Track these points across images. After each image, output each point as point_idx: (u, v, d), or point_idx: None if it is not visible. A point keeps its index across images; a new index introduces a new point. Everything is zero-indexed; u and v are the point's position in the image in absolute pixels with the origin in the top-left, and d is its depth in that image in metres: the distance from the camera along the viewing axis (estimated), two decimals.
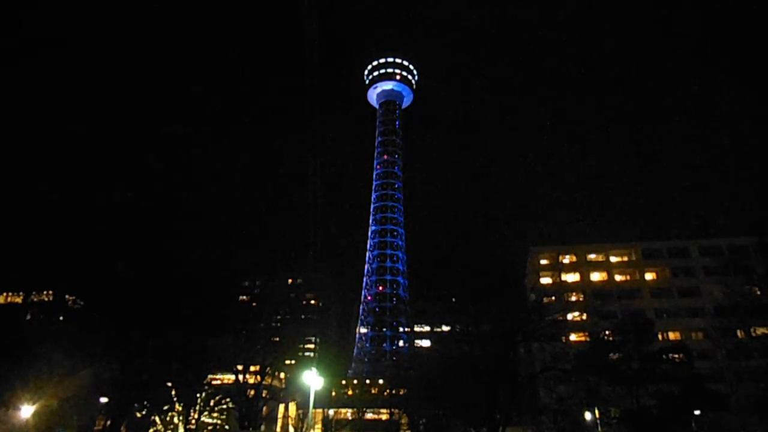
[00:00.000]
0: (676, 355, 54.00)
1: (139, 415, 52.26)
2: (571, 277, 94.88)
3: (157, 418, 50.99)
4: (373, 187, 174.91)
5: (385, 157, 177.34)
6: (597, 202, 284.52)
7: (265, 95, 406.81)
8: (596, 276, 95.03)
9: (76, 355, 41.71)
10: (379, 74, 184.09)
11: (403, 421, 76.20)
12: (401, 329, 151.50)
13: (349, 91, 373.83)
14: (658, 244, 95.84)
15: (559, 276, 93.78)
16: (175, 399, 49.92)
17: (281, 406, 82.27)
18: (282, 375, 78.61)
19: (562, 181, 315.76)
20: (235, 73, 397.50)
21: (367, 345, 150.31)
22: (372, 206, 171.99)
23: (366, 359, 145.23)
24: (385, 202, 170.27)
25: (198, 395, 52.30)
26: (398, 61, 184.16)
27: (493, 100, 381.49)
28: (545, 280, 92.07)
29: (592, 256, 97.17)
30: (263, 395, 59.64)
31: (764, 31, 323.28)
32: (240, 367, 55.30)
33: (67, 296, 55.55)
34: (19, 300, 58.24)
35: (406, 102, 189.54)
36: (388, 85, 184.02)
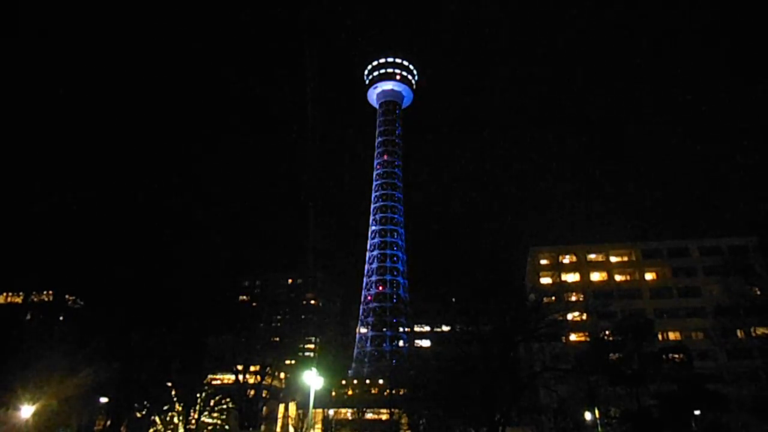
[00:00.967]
0: (676, 355, 54.02)
1: (139, 415, 52.28)
2: (571, 277, 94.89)
3: (157, 418, 51.02)
4: (373, 187, 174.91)
5: (385, 157, 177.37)
6: (597, 202, 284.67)
7: (265, 95, 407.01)
8: (596, 276, 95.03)
9: (76, 355, 41.75)
10: (379, 74, 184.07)
11: (403, 421, 76.19)
12: (401, 329, 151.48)
13: (349, 91, 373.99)
14: (658, 244, 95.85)
15: (559, 276, 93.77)
16: (175, 399, 49.95)
17: (281, 406, 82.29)
18: (282, 375, 78.66)
19: (562, 181, 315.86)
20: (234, 73, 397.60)
21: (367, 345, 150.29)
22: (372, 206, 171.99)
23: (366, 359, 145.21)
24: (385, 202, 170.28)
25: (198, 395, 52.33)
26: (398, 61, 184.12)
27: (493, 100, 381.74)
28: (545, 280, 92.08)
29: (592, 256, 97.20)
30: (263, 395, 59.67)
31: (764, 31, 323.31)
32: (240, 367, 55.32)
33: (67, 296, 55.64)
34: (19, 300, 58.33)
35: (406, 102, 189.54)
36: (388, 85, 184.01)
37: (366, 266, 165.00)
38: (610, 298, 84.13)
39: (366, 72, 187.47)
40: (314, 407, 48.25)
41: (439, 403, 52.73)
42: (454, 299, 50.66)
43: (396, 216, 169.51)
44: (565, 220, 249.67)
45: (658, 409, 48.35)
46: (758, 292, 48.71)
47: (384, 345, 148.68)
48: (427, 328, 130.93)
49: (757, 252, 54.59)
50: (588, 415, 54.94)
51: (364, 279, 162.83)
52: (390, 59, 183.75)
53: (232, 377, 56.48)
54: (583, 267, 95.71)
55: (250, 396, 55.60)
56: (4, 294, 64.74)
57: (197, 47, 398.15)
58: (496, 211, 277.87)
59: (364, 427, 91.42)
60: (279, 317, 67.11)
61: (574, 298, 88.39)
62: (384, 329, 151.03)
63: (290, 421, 76.97)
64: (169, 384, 49.92)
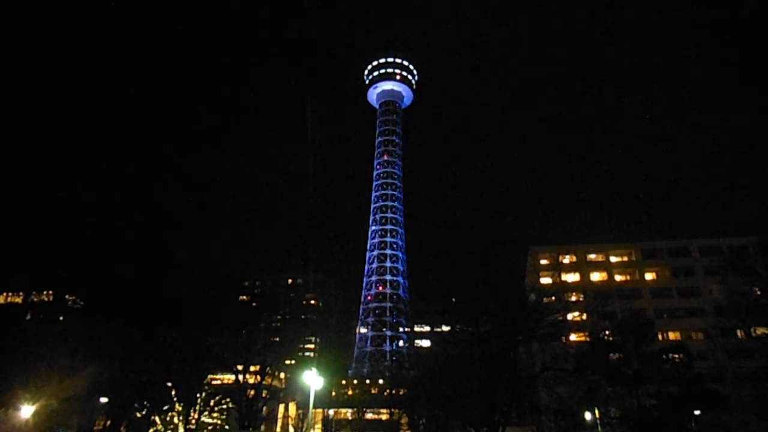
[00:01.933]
0: (676, 355, 53.93)
1: (139, 415, 52.21)
2: (571, 277, 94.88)
3: (157, 418, 50.94)
4: (373, 187, 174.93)
5: (385, 157, 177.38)
6: (597, 202, 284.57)
7: (265, 95, 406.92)
8: (596, 276, 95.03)
9: (76, 355, 41.72)
10: (379, 74, 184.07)
11: (403, 421, 76.25)
12: (401, 329, 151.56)
13: (349, 91, 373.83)
14: (658, 244, 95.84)
15: (559, 276, 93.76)
16: (175, 399, 49.89)
17: (281, 406, 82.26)
18: (282, 375, 78.62)
19: (562, 181, 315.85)
20: (234, 72, 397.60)
21: (367, 345, 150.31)
22: (372, 206, 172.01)
23: (366, 359, 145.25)
24: (385, 202, 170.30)
25: (198, 395, 52.26)
26: (398, 61, 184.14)
27: (493, 100, 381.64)
28: (545, 280, 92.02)
29: (592, 256, 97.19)
30: (263, 395, 59.60)
31: (765, 31, 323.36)
32: (240, 367, 55.25)
33: (67, 296, 55.57)
34: (19, 300, 58.27)
35: (406, 102, 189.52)
36: (388, 85, 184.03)
37: (366, 266, 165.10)
38: (610, 298, 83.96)
39: (366, 72, 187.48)
40: (314, 407, 48.27)
41: (439, 403, 52.76)
42: (454, 299, 50.61)
43: (396, 216, 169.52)
44: (565, 220, 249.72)
45: (658, 409, 48.33)
46: (758, 292, 48.68)
47: (384, 345, 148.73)
48: (427, 328, 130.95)
49: (757, 252, 54.55)
50: (588, 415, 54.93)
51: (364, 279, 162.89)
52: (390, 59, 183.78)
53: (232, 377, 56.41)
54: (583, 267, 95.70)
55: (250, 396, 55.52)
56: (4, 294, 64.69)
57: (197, 47, 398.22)
58: (496, 211, 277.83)
59: (364, 427, 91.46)
60: (279, 317, 67.00)
61: (574, 298, 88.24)
62: (384, 329, 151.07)
63: (290, 421, 76.95)
64: (169, 384, 49.85)
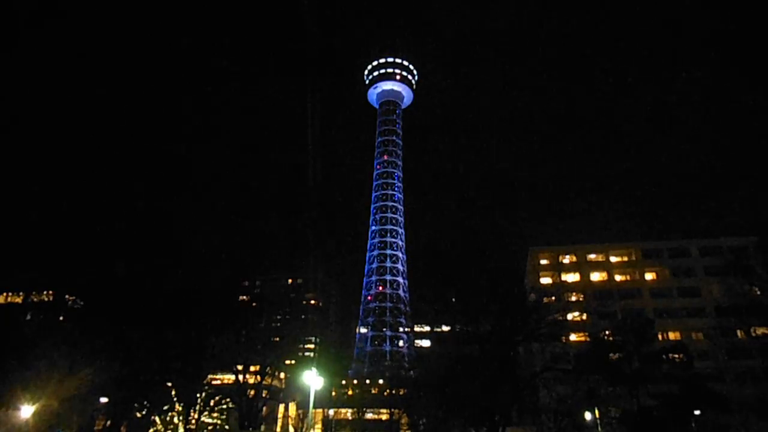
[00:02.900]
0: (676, 355, 54.00)
1: (139, 415, 52.23)
2: (571, 277, 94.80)
3: (157, 418, 50.97)
4: (373, 187, 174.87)
5: (385, 157, 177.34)
6: (597, 202, 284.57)
7: (265, 95, 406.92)
8: (596, 276, 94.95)
9: (76, 355, 41.70)
10: (379, 74, 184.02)
11: (403, 421, 76.21)
12: (401, 329, 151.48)
13: (349, 91, 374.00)
14: (658, 244, 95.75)
15: (559, 276, 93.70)
16: (175, 399, 49.90)
17: (281, 406, 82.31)
18: (282, 375, 78.62)
19: (562, 181, 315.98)
20: (234, 72, 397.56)
21: (367, 345, 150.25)
22: (372, 206, 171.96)
23: (366, 359, 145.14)
24: (385, 202, 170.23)
25: (198, 395, 52.28)
26: (398, 61, 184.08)
27: (493, 100, 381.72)
28: (545, 280, 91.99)
29: (592, 256, 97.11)
30: (263, 395, 59.62)
31: (764, 31, 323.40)
32: (240, 367, 55.27)
33: (67, 296, 55.58)
34: (19, 300, 58.32)
35: (407, 102, 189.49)
36: (388, 85, 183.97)
37: (366, 266, 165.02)
38: (610, 298, 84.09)
39: (366, 72, 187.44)
40: (314, 407, 48.28)
41: (439, 403, 52.72)
42: (454, 299, 50.59)
43: (396, 216, 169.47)
44: (565, 220, 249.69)
45: (658, 409, 48.36)
46: (758, 292, 48.69)
47: (384, 345, 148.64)
48: (427, 328, 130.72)
49: (757, 252, 54.55)
50: (588, 415, 54.93)
51: (364, 279, 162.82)
52: (390, 59, 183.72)
53: (232, 377, 56.43)
54: (583, 267, 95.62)
55: (250, 396, 55.54)
56: (4, 294, 64.75)
57: (196, 47, 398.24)
58: (496, 211, 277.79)
59: (364, 427, 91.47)
60: (279, 317, 67.06)
61: (574, 298, 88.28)
62: (384, 329, 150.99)
63: (290, 421, 77.01)
64: (169, 384, 49.86)
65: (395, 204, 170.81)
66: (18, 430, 38.59)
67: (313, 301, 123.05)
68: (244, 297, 65.11)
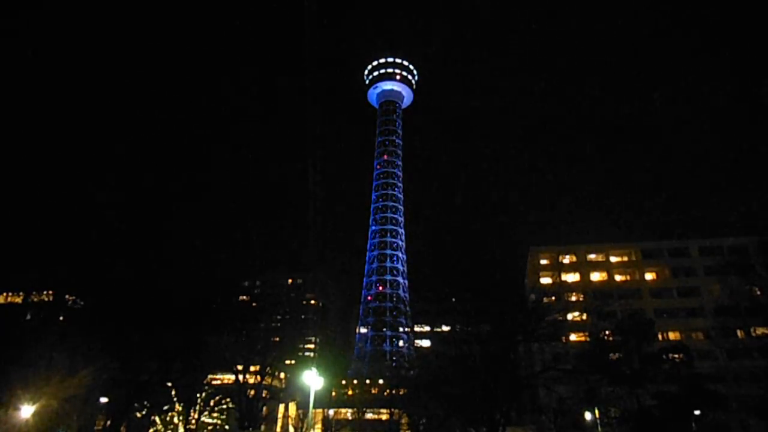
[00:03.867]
0: (676, 355, 53.92)
1: (139, 415, 52.24)
2: (571, 277, 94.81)
3: (157, 418, 51.01)
4: (373, 187, 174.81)
5: (385, 157, 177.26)
6: (597, 202, 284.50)
7: (265, 95, 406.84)
8: (596, 276, 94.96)
9: (76, 355, 41.72)
10: (379, 74, 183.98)
11: (403, 421, 76.20)
12: (401, 329, 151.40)
13: (349, 91, 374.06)
14: (658, 244, 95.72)
15: (559, 276, 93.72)
16: (175, 399, 49.94)
17: (281, 406, 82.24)
18: (282, 375, 78.63)
19: (562, 181, 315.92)
20: (234, 73, 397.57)
21: (367, 345, 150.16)
22: (372, 206, 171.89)
23: (366, 359, 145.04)
24: (385, 202, 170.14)
25: (198, 395, 52.34)
26: (398, 61, 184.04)
27: (493, 100, 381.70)
28: (545, 280, 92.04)
29: (592, 256, 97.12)
30: (263, 395, 59.64)
31: (764, 31, 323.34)
32: (240, 367, 55.28)
33: (67, 296, 55.56)
34: (19, 300, 58.28)
35: (407, 102, 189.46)
36: (388, 85, 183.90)
37: (366, 266, 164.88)
38: (610, 298, 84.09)
39: (366, 72, 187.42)
40: (314, 407, 48.16)
41: (439, 403, 52.75)
42: (454, 299, 50.67)
43: (396, 216, 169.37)
44: (565, 220, 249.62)
45: (658, 409, 48.32)
46: (758, 292, 48.68)
47: (384, 345, 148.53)
48: (427, 328, 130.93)
49: (757, 252, 54.55)
50: (588, 415, 54.93)
51: (364, 279, 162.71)
52: (390, 59, 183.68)
53: (232, 377, 56.44)
54: (583, 267, 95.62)
55: (250, 396, 55.55)
56: (4, 294, 64.72)
57: (196, 48, 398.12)
58: (496, 211, 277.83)
59: (364, 427, 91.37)
60: (279, 317, 67.04)
61: (574, 298, 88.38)
62: (384, 329, 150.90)
63: (290, 421, 76.96)
64: (169, 384, 49.88)
65: (395, 204, 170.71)
66: (18, 430, 38.56)
67: (313, 301, 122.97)
68: (244, 297, 65.13)
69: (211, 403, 54.37)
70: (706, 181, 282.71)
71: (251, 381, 57.80)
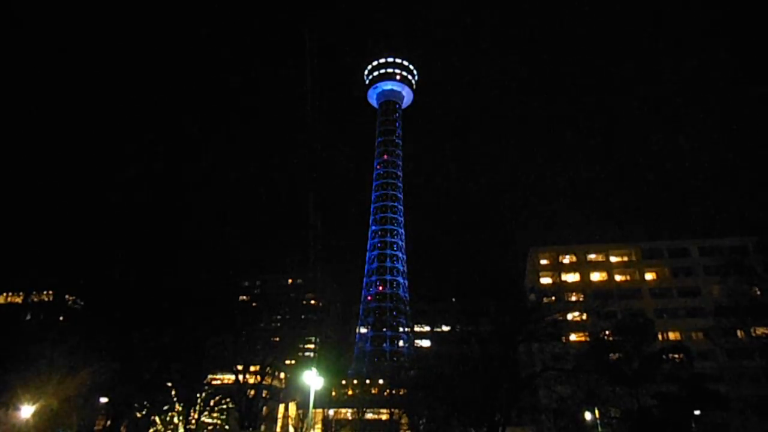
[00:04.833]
0: (676, 355, 53.96)
1: (139, 415, 52.22)
2: (571, 277, 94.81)
3: (157, 418, 50.98)
4: (373, 187, 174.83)
5: (385, 157, 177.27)
6: (597, 202, 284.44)
7: (265, 95, 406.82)
8: (596, 276, 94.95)
9: (76, 355, 41.72)
10: (379, 74, 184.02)
11: (403, 421, 76.22)
12: (401, 329, 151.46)
13: (349, 91, 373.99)
14: (658, 244, 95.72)
15: (559, 276, 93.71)
16: (175, 399, 49.92)
17: (281, 406, 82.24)
18: (282, 375, 78.63)
19: (562, 181, 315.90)
20: (234, 73, 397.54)
21: (367, 345, 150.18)
22: (372, 206, 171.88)
23: (366, 359, 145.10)
24: (385, 202, 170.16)
25: (198, 395, 52.31)
26: (398, 61, 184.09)
27: (493, 100, 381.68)
28: (545, 280, 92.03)
29: (592, 256, 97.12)
30: (263, 395, 59.61)
31: (765, 31, 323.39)
32: (240, 367, 55.26)
33: (67, 296, 55.58)
34: (19, 300, 58.30)
35: (407, 102, 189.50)
36: (388, 85, 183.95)
37: (366, 266, 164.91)
38: (610, 298, 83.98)
39: (366, 72, 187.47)
40: (314, 407, 48.23)
41: (439, 403, 52.75)
42: (454, 299, 50.67)
43: (396, 216, 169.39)
44: (565, 220, 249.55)
45: (658, 409, 48.32)
46: (758, 292, 48.66)
47: (384, 345, 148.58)
48: (427, 328, 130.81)
49: (757, 252, 54.52)
50: (588, 415, 54.92)
51: (364, 279, 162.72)
52: (390, 59, 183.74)
53: (232, 377, 56.43)
54: (583, 267, 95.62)
55: (250, 396, 55.52)
56: (4, 294, 64.73)
57: (196, 47, 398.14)
58: (496, 211, 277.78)
59: (364, 427, 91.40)
60: (279, 317, 67.01)
61: (574, 298, 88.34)
62: (384, 329, 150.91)
63: (290, 421, 76.95)
64: (169, 384, 49.88)
65: (395, 204, 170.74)
66: (18, 430, 38.58)
67: (313, 301, 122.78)
68: (244, 297, 65.10)
69: (211, 403, 54.35)
70: (706, 181, 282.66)
71: (251, 381, 57.77)
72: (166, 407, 50.51)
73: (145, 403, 50.80)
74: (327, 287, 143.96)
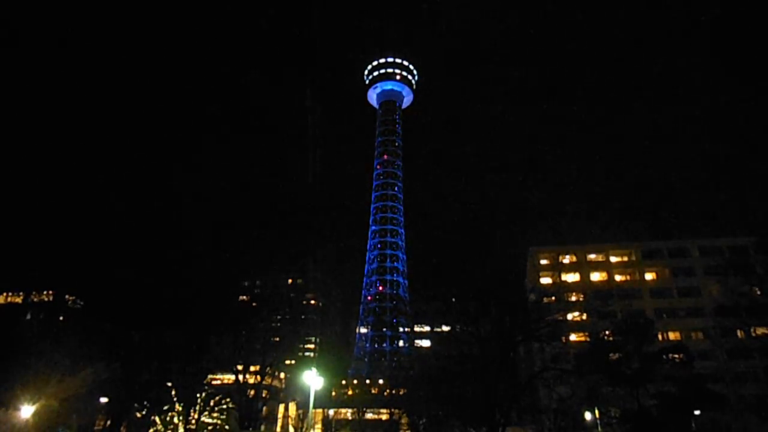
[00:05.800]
0: (676, 355, 53.91)
1: (139, 415, 52.26)
2: (571, 277, 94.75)
3: (157, 418, 50.98)
4: (373, 187, 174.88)
5: (385, 157, 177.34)
6: (597, 202, 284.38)
7: (265, 95, 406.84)
8: (596, 276, 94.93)
9: (76, 355, 41.79)
10: (379, 74, 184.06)
11: (403, 421, 76.16)
12: (401, 329, 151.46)
13: (349, 91, 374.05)
14: (658, 244, 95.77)
15: (559, 276, 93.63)
16: (175, 399, 49.94)
17: (281, 406, 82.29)
18: (282, 375, 78.68)
19: (562, 181, 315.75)
20: (234, 73, 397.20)
21: (367, 345, 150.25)
22: (372, 206, 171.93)
23: (366, 359, 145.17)
24: (385, 202, 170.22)
25: (198, 395, 52.33)
26: (398, 61, 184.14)
27: (493, 100, 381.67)
28: (545, 280, 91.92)
29: (592, 256, 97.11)
30: (263, 395, 59.67)
31: (765, 32, 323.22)
32: (240, 367, 55.31)
33: (67, 296, 55.70)
34: (19, 300, 58.43)
35: (406, 102, 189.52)
36: (388, 85, 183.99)
37: (366, 266, 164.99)
38: (610, 298, 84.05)
39: (366, 72, 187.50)
40: (314, 407, 48.22)
41: (439, 403, 52.73)
42: (454, 299, 50.59)
43: (396, 216, 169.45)
44: (565, 220, 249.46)
45: (658, 409, 48.31)
46: (758, 292, 48.69)
47: (384, 345, 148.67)
48: (427, 328, 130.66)
49: (757, 252, 54.56)
50: (588, 415, 54.92)
51: (364, 279, 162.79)
52: (390, 59, 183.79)
53: (232, 377, 56.48)
54: (583, 267, 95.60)
55: (250, 396, 55.57)
56: (4, 294, 64.85)
57: (196, 50, 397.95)
58: (496, 211, 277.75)
59: (364, 427, 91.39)
60: (279, 317, 67.07)
61: (574, 298, 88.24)
62: (384, 329, 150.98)
63: (290, 421, 76.99)
64: (169, 384, 49.93)
65: (395, 204, 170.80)
66: (18, 430, 38.60)
67: (313, 301, 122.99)
68: (244, 297, 65.14)
69: (211, 403, 54.34)
70: (706, 181, 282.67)
71: (251, 381, 57.82)
72: (166, 407, 50.53)
73: (145, 403, 50.84)
74: (327, 287, 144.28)
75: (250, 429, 53.88)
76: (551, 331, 45.82)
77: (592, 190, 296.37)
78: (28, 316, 53.66)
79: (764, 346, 54.10)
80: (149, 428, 52.09)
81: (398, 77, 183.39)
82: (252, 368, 57.86)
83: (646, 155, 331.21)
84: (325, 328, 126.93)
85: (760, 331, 51.91)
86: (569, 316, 65.61)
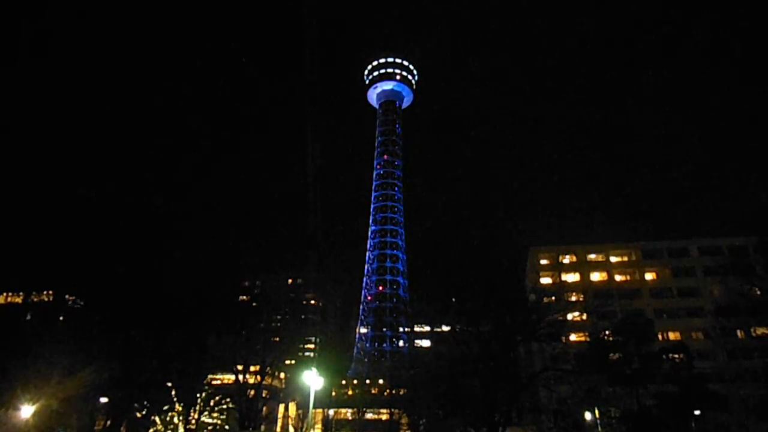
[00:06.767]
0: (676, 355, 53.93)
1: (139, 415, 52.25)
2: (571, 277, 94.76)
3: (157, 418, 50.98)
4: (373, 187, 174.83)
5: (385, 157, 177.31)
6: (597, 202, 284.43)
7: (265, 96, 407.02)
8: (596, 276, 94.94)
9: (76, 355, 41.76)
10: (379, 74, 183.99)
11: (403, 421, 76.12)
12: (401, 329, 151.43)
13: (349, 91, 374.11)
14: (658, 244, 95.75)
15: (559, 276, 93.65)
16: (175, 399, 49.94)
17: (281, 406, 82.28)
18: (282, 375, 78.64)
19: (562, 181, 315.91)
20: (234, 73, 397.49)
21: (367, 345, 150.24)
22: (372, 206, 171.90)
23: (366, 359, 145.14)
24: (385, 202, 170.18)
25: (198, 395, 52.32)
26: (398, 61, 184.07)
27: (493, 100, 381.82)
28: (545, 280, 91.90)
29: (592, 256, 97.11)
30: (263, 395, 59.65)
31: (763, 31, 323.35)
32: (240, 367, 55.31)
33: (67, 296, 55.68)
34: (19, 300, 58.43)
35: (406, 102, 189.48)
36: (388, 85, 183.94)
37: (366, 266, 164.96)
38: (610, 298, 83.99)
39: (366, 72, 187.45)
40: (314, 407, 48.14)
41: (439, 403, 52.69)
42: (454, 299, 50.56)
43: (396, 216, 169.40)
44: (565, 220, 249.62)
45: (658, 409, 48.32)
46: (758, 292, 48.65)
47: (384, 345, 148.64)
48: (427, 328, 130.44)
49: (757, 252, 54.52)
50: (588, 415, 54.88)
51: (364, 279, 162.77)
52: (390, 59, 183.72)
53: (232, 377, 56.46)
54: (583, 267, 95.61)
55: (250, 396, 55.55)
56: (4, 294, 64.85)
57: (194, 48, 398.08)
58: (496, 211, 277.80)
59: (364, 427, 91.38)
60: (279, 317, 67.09)
61: (574, 298, 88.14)
62: (384, 329, 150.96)
63: (290, 421, 77.01)
64: (169, 384, 49.92)
65: (395, 204, 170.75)
66: (18, 430, 38.58)
67: (313, 301, 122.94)
68: (244, 297, 65.13)
69: (211, 403, 54.35)
70: (706, 181, 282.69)
71: (251, 381, 57.80)
72: (166, 407, 50.53)
73: (145, 403, 50.82)
74: (327, 287, 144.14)
75: (250, 429, 53.85)
76: (551, 331, 45.80)
77: (592, 190, 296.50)
78: (28, 316, 53.63)
79: (764, 346, 54.17)
80: (149, 428, 52.09)
81: (398, 77, 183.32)
82: (252, 368, 57.84)
83: (647, 155, 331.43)
84: (325, 328, 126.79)
85: (760, 331, 51.97)
86: (569, 316, 65.47)
